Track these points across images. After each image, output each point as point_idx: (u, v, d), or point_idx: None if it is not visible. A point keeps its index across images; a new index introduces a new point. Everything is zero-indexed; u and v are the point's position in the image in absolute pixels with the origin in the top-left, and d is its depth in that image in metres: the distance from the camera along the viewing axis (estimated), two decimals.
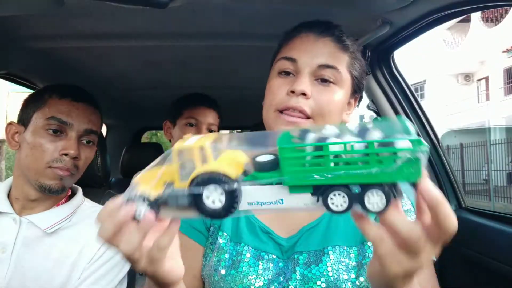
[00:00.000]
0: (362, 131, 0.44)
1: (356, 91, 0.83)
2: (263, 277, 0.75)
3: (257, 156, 0.47)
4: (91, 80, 1.80)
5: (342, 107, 0.79)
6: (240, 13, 1.12)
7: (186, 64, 1.68)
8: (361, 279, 0.72)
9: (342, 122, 0.83)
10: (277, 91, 0.77)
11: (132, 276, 1.48)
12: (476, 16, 14.89)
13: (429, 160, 1.36)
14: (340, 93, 0.77)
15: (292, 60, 0.77)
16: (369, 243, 0.75)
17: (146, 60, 1.58)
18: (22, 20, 1.12)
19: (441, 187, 1.35)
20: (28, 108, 1.01)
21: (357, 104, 0.87)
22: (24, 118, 1.01)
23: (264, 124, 0.81)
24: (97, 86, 1.94)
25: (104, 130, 2.85)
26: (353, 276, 0.73)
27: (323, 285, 0.73)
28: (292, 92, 0.74)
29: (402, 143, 0.40)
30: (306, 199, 0.45)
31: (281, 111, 0.76)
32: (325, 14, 1.14)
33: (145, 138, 3.94)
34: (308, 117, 0.75)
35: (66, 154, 0.96)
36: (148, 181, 0.47)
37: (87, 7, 1.03)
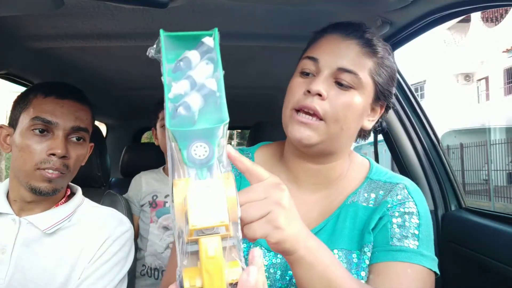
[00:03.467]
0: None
1: (380, 98, 0.79)
2: (268, 277, 0.76)
3: None
4: (91, 80, 1.81)
5: (361, 113, 0.77)
6: (240, 13, 1.12)
7: None
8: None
9: (363, 128, 0.81)
10: (295, 90, 0.76)
11: (133, 276, 1.48)
12: (476, 16, 14.88)
13: (429, 160, 1.36)
14: (358, 98, 0.75)
15: (314, 59, 0.76)
16: (368, 248, 0.75)
17: (146, 60, 1.58)
18: (22, 20, 1.12)
19: (441, 187, 1.35)
20: (16, 110, 0.99)
21: (384, 112, 0.83)
22: (13, 120, 0.99)
23: (282, 122, 0.80)
24: (97, 86, 1.94)
25: (104, 130, 2.86)
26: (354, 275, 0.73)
27: None
28: (308, 91, 0.73)
29: None
30: None
31: (297, 110, 0.75)
32: (325, 14, 1.14)
33: (145, 138, 3.94)
34: (321, 119, 0.73)
35: (53, 154, 0.94)
36: None
37: (87, 7, 1.03)
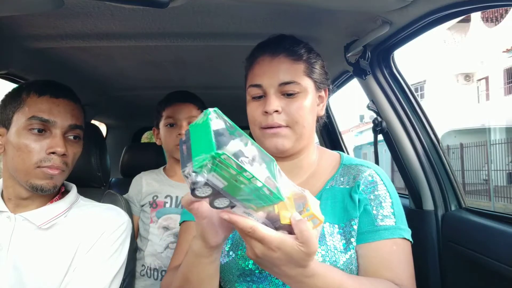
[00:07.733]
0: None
1: (321, 87, 0.95)
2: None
3: None
4: (91, 80, 1.80)
5: (312, 107, 0.92)
6: (240, 13, 1.12)
7: (186, 64, 1.67)
8: (350, 252, 0.85)
9: (318, 115, 0.96)
10: (255, 112, 0.91)
11: (132, 276, 1.48)
12: (476, 16, 14.87)
13: (429, 160, 1.36)
14: (305, 99, 0.89)
15: (257, 85, 0.90)
16: (354, 222, 0.86)
17: (146, 60, 1.58)
18: (22, 20, 1.12)
19: (441, 187, 1.35)
20: (7, 109, 0.99)
21: (328, 94, 0.99)
22: (4, 120, 0.99)
23: (254, 139, 0.88)
24: (97, 86, 1.94)
25: (104, 130, 2.86)
26: (341, 248, 0.85)
27: (320, 253, 0.83)
28: (266, 112, 0.87)
29: None
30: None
31: (264, 128, 0.89)
32: (325, 14, 1.14)
33: (145, 138, 3.94)
34: (286, 126, 0.88)
35: (53, 153, 0.95)
36: None
37: (87, 7, 1.03)
